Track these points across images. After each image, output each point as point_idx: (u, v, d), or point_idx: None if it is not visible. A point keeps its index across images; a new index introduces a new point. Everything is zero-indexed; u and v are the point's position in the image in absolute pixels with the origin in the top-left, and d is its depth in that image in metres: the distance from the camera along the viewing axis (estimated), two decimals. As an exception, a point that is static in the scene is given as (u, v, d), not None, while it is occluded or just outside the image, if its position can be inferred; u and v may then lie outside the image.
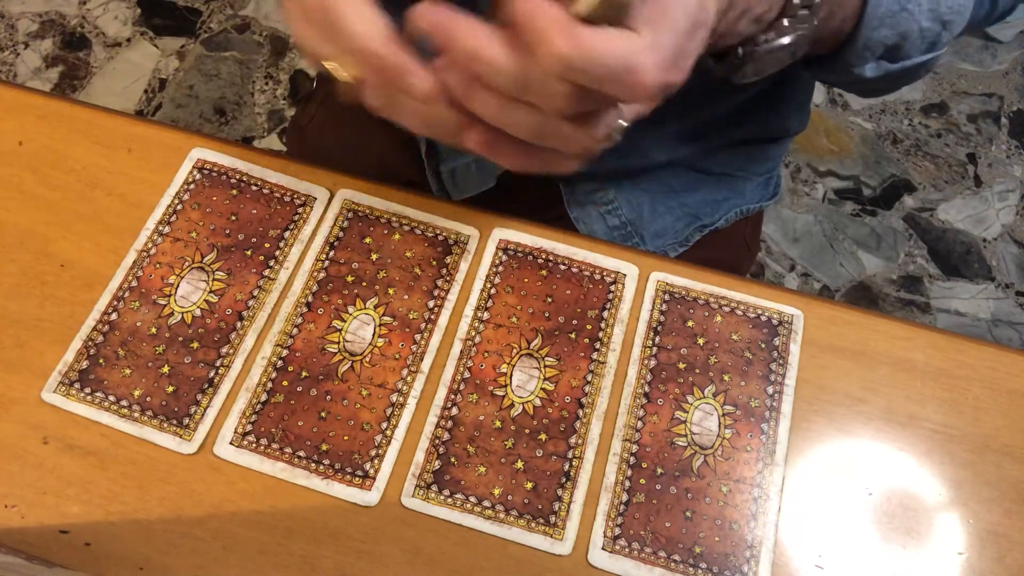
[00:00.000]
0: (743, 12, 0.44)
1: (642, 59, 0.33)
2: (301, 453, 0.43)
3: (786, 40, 0.46)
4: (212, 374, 0.45)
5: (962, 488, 0.43)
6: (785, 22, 0.46)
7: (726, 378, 0.46)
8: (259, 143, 1.49)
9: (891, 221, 1.47)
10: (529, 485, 0.43)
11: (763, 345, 0.47)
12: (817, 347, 0.47)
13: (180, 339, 0.45)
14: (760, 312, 0.48)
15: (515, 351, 0.46)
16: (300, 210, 0.50)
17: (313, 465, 0.43)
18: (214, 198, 0.50)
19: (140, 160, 0.51)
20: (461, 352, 0.46)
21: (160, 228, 0.49)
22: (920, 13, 0.48)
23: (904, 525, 0.42)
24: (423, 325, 0.46)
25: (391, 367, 0.45)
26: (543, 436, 0.44)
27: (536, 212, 0.66)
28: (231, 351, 0.45)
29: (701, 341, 0.47)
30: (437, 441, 0.43)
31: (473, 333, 0.46)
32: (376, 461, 0.43)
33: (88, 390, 0.44)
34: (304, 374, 0.45)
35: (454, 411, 0.44)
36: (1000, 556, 0.42)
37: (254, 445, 0.43)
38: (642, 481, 0.43)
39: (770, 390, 0.45)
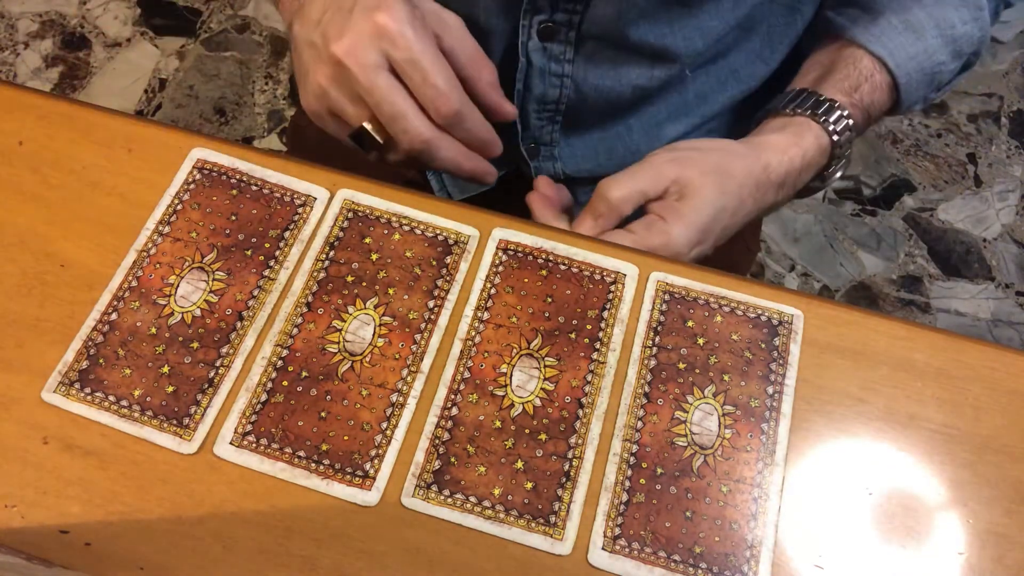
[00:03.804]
0: (800, 173, 0.54)
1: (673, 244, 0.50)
2: (301, 453, 0.43)
3: (843, 161, 0.54)
4: (212, 374, 0.45)
5: (962, 488, 0.43)
6: (837, 153, 0.54)
7: (726, 378, 0.46)
8: (259, 143, 1.49)
9: (891, 221, 1.47)
10: (529, 485, 0.43)
11: (763, 345, 0.47)
12: (817, 347, 0.47)
13: (180, 339, 0.45)
14: (760, 312, 0.48)
15: (515, 351, 0.46)
16: (300, 210, 0.50)
17: (313, 465, 0.43)
18: (214, 198, 0.50)
19: (140, 160, 0.51)
20: (461, 352, 0.46)
21: (160, 228, 0.49)
22: (946, 61, 0.54)
23: (904, 525, 0.42)
24: (423, 325, 0.46)
25: (391, 367, 0.45)
26: (543, 436, 0.44)
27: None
28: (231, 351, 0.45)
29: (701, 341, 0.47)
30: (437, 441, 0.43)
31: (473, 333, 0.46)
32: (376, 461, 0.43)
33: (88, 390, 0.44)
34: (304, 374, 0.45)
35: (454, 411, 0.44)
36: (1000, 556, 0.42)
37: (254, 445, 0.43)
38: (642, 481, 0.43)
39: (770, 390, 0.45)
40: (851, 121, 0.52)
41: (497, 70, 0.56)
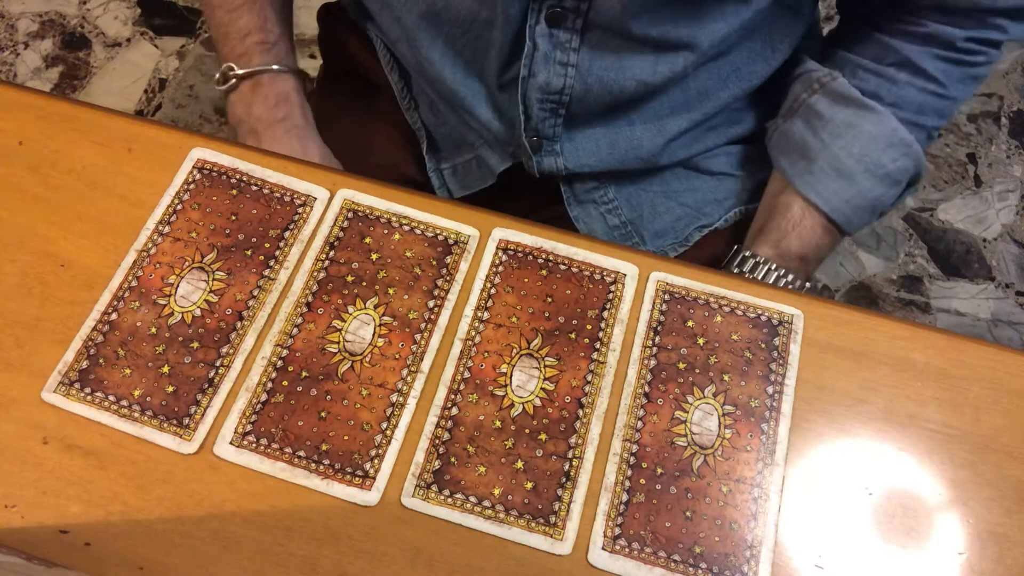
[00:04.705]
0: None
1: None
2: (301, 453, 0.43)
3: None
4: (212, 374, 0.45)
5: (962, 488, 0.43)
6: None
7: (726, 378, 0.46)
8: (259, 143, 1.49)
9: (891, 221, 1.47)
10: (529, 485, 0.43)
11: (763, 345, 0.47)
12: (817, 347, 0.47)
13: (180, 339, 0.45)
14: (760, 312, 0.48)
15: (515, 351, 0.46)
16: (300, 210, 0.50)
17: (313, 465, 0.43)
18: (214, 198, 0.50)
19: (140, 160, 0.51)
20: (461, 352, 0.46)
21: (160, 228, 0.49)
22: (884, 192, 0.59)
23: (904, 525, 0.42)
24: (423, 325, 0.46)
25: (391, 367, 0.45)
26: (543, 436, 0.44)
27: (536, 211, 0.66)
28: (231, 351, 0.45)
29: (701, 341, 0.47)
30: (437, 441, 0.43)
31: (473, 333, 0.46)
32: (376, 461, 0.43)
33: (88, 390, 0.44)
34: (304, 374, 0.45)
35: (454, 411, 0.44)
36: (1000, 556, 0.42)
37: (254, 445, 0.43)
38: (642, 481, 0.43)
39: (770, 390, 0.45)
40: (780, 271, 0.58)
41: (505, 57, 0.56)
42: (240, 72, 0.62)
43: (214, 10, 0.63)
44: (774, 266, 0.59)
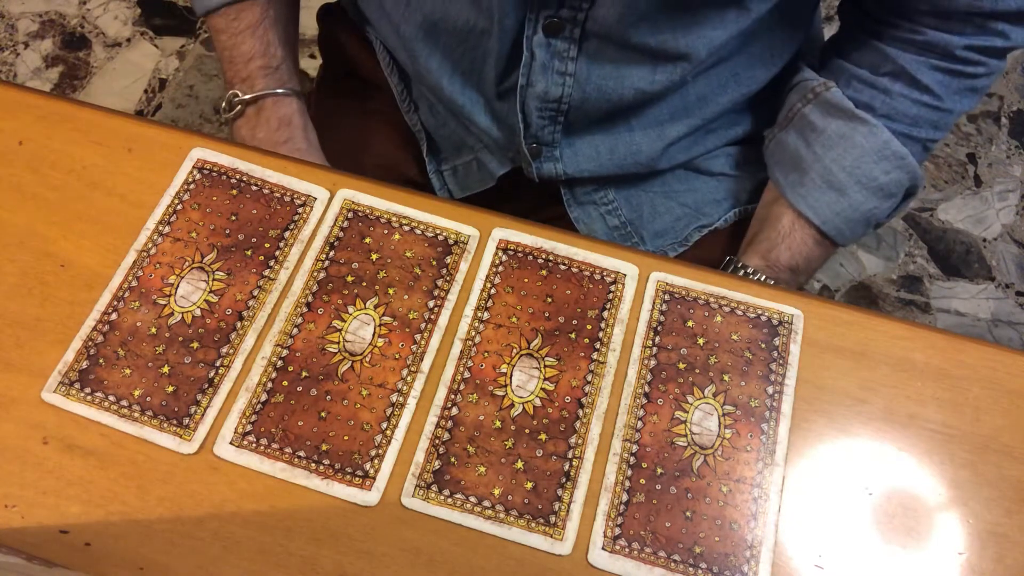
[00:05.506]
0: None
1: None
2: (301, 453, 0.43)
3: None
4: (212, 374, 0.45)
5: (962, 488, 0.43)
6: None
7: (726, 378, 0.46)
8: (259, 143, 1.48)
9: (891, 222, 1.47)
10: (529, 485, 0.43)
11: (763, 345, 0.47)
12: (817, 347, 0.47)
13: (180, 339, 0.45)
14: (760, 312, 0.48)
15: (515, 351, 0.46)
16: (300, 210, 0.50)
17: (313, 465, 0.43)
18: (214, 198, 0.50)
19: (140, 160, 0.51)
20: (461, 352, 0.46)
21: (160, 228, 0.49)
22: (877, 206, 0.59)
23: (904, 525, 0.42)
24: (423, 325, 0.46)
25: (391, 367, 0.45)
26: (543, 436, 0.44)
27: (536, 212, 0.66)
28: (231, 351, 0.45)
29: (701, 341, 0.47)
30: (437, 441, 0.43)
31: (473, 333, 0.46)
32: (376, 461, 0.43)
33: (88, 390, 0.44)
34: (304, 374, 0.45)
35: (454, 411, 0.44)
36: (1000, 556, 0.42)
37: (254, 445, 0.43)
38: (642, 481, 0.43)
39: (770, 390, 0.45)
40: (770, 283, 0.58)
41: (503, 66, 0.56)
42: (245, 98, 0.63)
43: (219, 34, 0.63)
44: (763, 276, 0.59)
